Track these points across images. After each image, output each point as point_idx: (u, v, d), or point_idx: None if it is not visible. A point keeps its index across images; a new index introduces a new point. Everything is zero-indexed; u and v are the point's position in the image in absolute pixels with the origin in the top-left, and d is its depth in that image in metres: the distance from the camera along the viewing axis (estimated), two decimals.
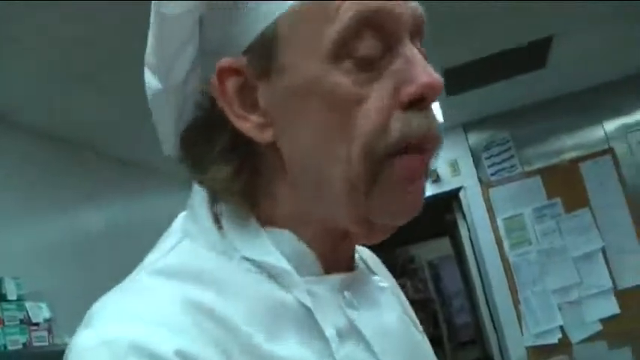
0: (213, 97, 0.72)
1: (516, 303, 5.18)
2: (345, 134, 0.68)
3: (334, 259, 0.77)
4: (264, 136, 0.71)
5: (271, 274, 0.72)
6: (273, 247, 0.73)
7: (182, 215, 0.80)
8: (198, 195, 0.78)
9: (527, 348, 5.14)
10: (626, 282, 5.09)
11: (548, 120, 5.40)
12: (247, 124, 0.71)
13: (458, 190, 5.47)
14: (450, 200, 5.73)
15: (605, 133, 5.38)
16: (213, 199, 0.76)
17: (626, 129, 5.36)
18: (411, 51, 0.70)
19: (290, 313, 0.70)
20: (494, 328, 5.50)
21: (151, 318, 0.63)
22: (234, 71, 0.71)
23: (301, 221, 0.75)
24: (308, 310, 0.71)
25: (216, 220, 0.75)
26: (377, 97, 0.68)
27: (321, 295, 0.73)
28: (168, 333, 0.62)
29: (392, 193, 0.70)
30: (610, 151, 5.29)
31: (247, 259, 0.72)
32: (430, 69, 0.69)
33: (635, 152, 5.31)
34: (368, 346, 0.73)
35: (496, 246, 5.28)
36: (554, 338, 5.12)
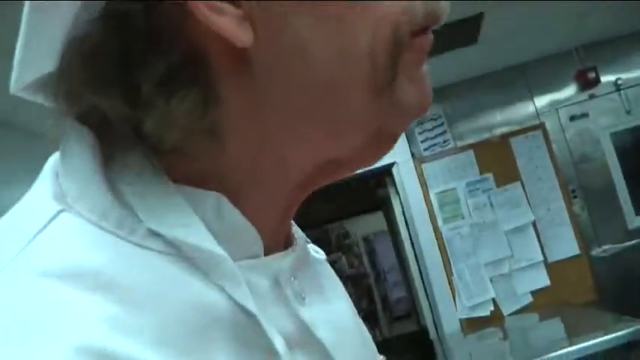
0: None
1: (450, 276, 5.23)
2: (365, 21, 0.52)
3: (278, 230, 0.61)
4: (245, 36, 0.50)
5: (194, 260, 0.50)
6: (194, 216, 0.51)
7: (52, 162, 0.55)
8: (77, 135, 0.53)
9: (461, 320, 5.20)
10: (556, 255, 5.17)
11: (480, 95, 5.44)
12: (224, 20, 0.49)
13: (391, 165, 5.47)
14: (383, 175, 5.74)
15: (536, 109, 5.44)
16: (106, 141, 0.53)
17: (557, 104, 5.42)
18: None
19: (220, 320, 0.50)
20: (428, 301, 5.55)
21: None
22: None
23: (257, 174, 0.56)
24: (246, 313, 0.51)
25: (106, 175, 0.52)
26: None
27: (264, 289, 0.55)
28: None
29: (412, 80, 0.57)
30: (540, 126, 5.35)
31: (155, 234, 0.50)
32: None
33: (565, 127, 5.39)
34: (325, 353, 0.58)
35: (429, 220, 5.30)
36: (486, 310, 5.18)
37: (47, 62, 0.53)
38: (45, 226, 0.48)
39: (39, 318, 0.42)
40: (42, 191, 0.52)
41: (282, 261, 0.58)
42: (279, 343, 0.52)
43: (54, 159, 0.55)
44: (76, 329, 0.42)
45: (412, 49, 0.56)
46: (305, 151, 0.56)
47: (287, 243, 0.64)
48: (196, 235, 0.50)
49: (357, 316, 0.77)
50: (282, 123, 0.54)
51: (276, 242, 0.61)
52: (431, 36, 0.58)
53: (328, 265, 0.74)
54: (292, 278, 0.59)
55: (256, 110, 0.53)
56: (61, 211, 0.50)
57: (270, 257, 0.58)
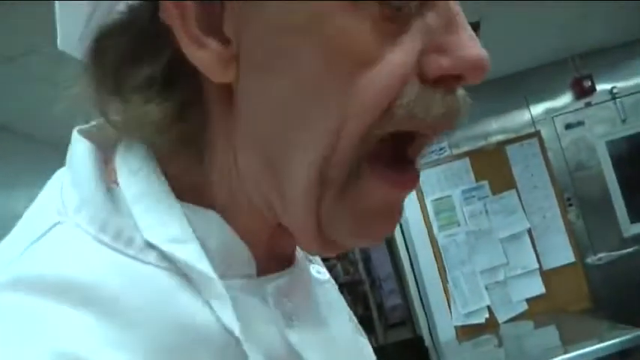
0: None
1: (445, 284, 5.23)
2: (341, 101, 0.47)
3: (272, 251, 0.59)
4: (224, 74, 0.50)
5: (185, 274, 0.50)
6: (191, 233, 0.51)
7: (57, 176, 0.56)
8: (81, 145, 0.54)
9: (456, 328, 5.20)
10: (552, 262, 5.17)
11: (476, 103, 5.41)
12: (204, 54, 0.49)
13: None
14: None
15: (532, 117, 5.45)
16: (107, 151, 0.55)
17: (553, 112, 5.44)
18: (454, 6, 0.50)
19: (207, 339, 0.49)
20: (424, 309, 5.55)
21: None
22: None
23: (237, 199, 0.55)
24: (232, 334, 0.50)
25: (109, 182, 0.53)
26: (396, 59, 0.47)
27: (253, 309, 0.54)
28: None
29: (359, 212, 0.51)
30: (536, 134, 5.36)
31: (152, 245, 0.50)
32: (476, 39, 0.50)
33: (561, 135, 5.40)
34: None
35: (425, 227, 5.30)
36: (481, 318, 5.17)
37: (73, 44, 0.55)
38: (39, 238, 0.49)
39: (20, 326, 0.42)
40: (45, 203, 0.53)
41: (274, 282, 0.57)
42: None
43: (61, 171, 0.56)
44: (55, 337, 0.42)
45: (381, 171, 0.51)
46: (261, 203, 0.55)
47: (287, 262, 0.63)
48: (190, 252, 0.50)
49: (359, 333, 0.76)
50: (247, 166, 0.53)
51: (272, 262, 0.60)
52: (414, 171, 0.53)
53: (331, 284, 0.73)
54: (284, 299, 0.58)
55: (232, 139, 0.53)
56: (58, 223, 0.50)
57: (263, 278, 0.57)
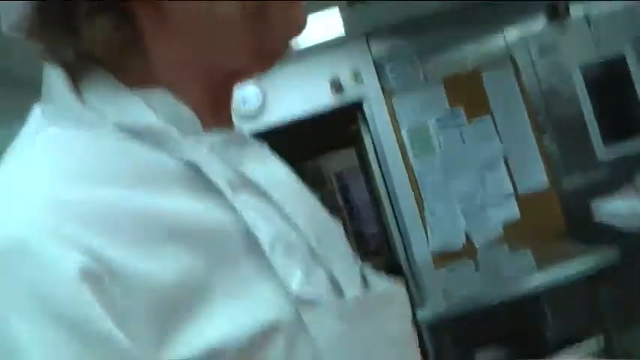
0: None
1: (422, 211, 5.29)
2: None
3: (213, 116, 0.75)
4: None
5: (149, 138, 0.67)
6: (146, 108, 0.68)
7: (38, 105, 0.71)
8: (52, 74, 0.70)
9: (433, 254, 5.28)
10: (527, 187, 5.24)
11: (450, 30, 5.43)
12: None
13: (361, 100, 5.48)
14: (354, 111, 5.73)
15: (506, 43, 5.45)
16: (73, 72, 0.70)
17: (527, 39, 5.43)
18: None
19: (174, 174, 0.66)
20: (401, 236, 5.61)
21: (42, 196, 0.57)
22: None
23: (179, 75, 0.72)
24: (193, 168, 0.67)
25: (78, 94, 0.69)
26: None
27: (205, 152, 0.70)
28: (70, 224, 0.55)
29: (281, 6, 0.72)
30: (511, 60, 5.37)
31: (120, 127, 0.66)
32: None
33: (535, 61, 5.41)
34: (265, 195, 0.72)
35: (400, 156, 5.34)
36: (458, 243, 5.26)
37: (16, 12, 0.68)
38: (35, 135, 0.65)
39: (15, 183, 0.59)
40: (32, 119, 0.68)
41: (217, 135, 0.73)
42: (220, 181, 0.67)
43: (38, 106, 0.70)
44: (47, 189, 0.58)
45: None
46: (207, 63, 0.73)
47: (229, 127, 0.79)
48: (148, 120, 0.67)
49: (302, 185, 0.91)
50: (186, 42, 0.70)
51: (218, 125, 0.75)
52: None
53: (269, 151, 0.89)
54: (229, 145, 0.74)
55: (166, 30, 0.69)
56: (45, 125, 0.66)
57: (209, 133, 0.73)
